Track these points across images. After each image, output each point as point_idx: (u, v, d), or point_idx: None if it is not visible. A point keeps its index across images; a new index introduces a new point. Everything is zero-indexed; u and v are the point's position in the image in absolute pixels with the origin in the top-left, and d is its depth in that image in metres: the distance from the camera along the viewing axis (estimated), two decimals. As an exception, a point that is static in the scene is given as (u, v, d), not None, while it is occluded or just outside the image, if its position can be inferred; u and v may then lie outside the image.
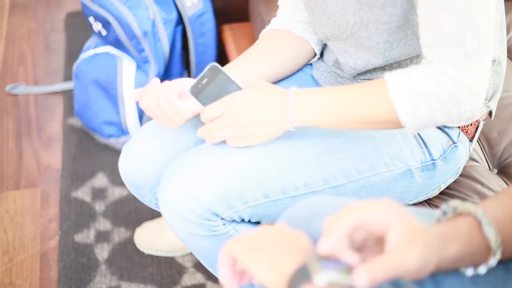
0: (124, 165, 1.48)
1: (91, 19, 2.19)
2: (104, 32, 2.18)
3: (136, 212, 2.07)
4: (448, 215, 0.96)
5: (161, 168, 1.44)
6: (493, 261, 0.93)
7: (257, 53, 1.46)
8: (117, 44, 2.18)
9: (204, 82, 1.32)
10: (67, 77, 2.62)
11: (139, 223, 2.03)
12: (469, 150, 1.43)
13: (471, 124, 1.41)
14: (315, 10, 1.38)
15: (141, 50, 2.13)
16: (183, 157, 1.35)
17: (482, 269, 0.94)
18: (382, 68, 1.35)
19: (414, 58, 1.32)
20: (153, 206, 1.53)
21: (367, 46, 1.32)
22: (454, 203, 0.96)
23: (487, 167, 1.51)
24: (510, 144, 1.52)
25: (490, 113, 1.43)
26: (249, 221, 1.36)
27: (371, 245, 0.89)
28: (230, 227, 1.34)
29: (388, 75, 1.18)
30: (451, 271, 0.96)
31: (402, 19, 1.25)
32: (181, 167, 1.34)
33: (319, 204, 1.10)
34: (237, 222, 1.35)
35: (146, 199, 1.51)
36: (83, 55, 2.26)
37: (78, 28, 2.87)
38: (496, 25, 1.34)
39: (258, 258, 0.89)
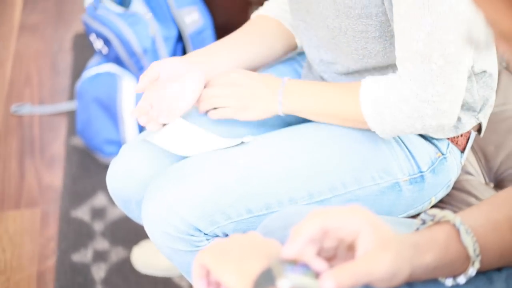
0: (111, 180, 1.46)
1: (92, 37, 2.18)
2: (105, 50, 2.17)
3: (135, 232, 2.04)
4: (427, 224, 0.93)
5: (147, 182, 1.41)
6: (472, 271, 0.90)
7: (242, 40, 1.48)
8: (118, 61, 2.17)
9: None
10: (72, 97, 2.61)
11: (137, 242, 2.00)
12: (461, 161, 1.39)
13: (461, 135, 1.37)
14: (299, 11, 1.37)
15: (141, 68, 2.12)
16: (167, 172, 1.34)
17: (461, 279, 0.91)
18: (367, 72, 1.33)
19: (394, 66, 1.29)
20: (141, 222, 1.50)
21: (346, 51, 1.32)
22: (432, 211, 0.93)
23: (483, 181, 1.47)
24: (507, 158, 1.47)
25: (480, 128, 1.40)
26: (233, 236, 1.32)
27: (342, 254, 0.86)
28: (213, 242, 1.30)
29: (364, 80, 1.25)
30: (429, 280, 0.93)
31: (378, 30, 1.26)
32: (164, 182, 1.31)
33: (296, 214, 1.08)
34: (221, 237, 1.31)
35: (134, 215, 1.48)
36: (86, 74, 2.26)
37: (85, 49, 2.86)
38: None
39: (226, 265, 0.86)
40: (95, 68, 2.25)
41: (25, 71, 2.79)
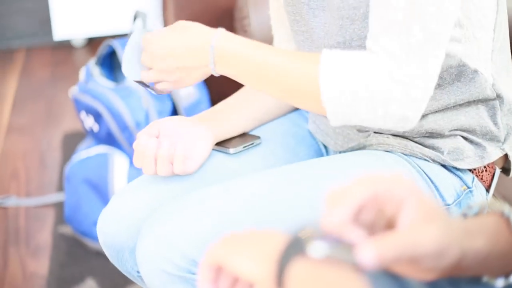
0: (103, 228, 1.33)
1: (82, 114, 2.10)
2: (96, 128, 2.08)
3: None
4: (473, 212, 0.82)
5: (141, 226, 1.29)
6: None
7: (253, 97, 1.40)
8: (109, 139, 2.08)
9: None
10: (61, 189, 2.50)
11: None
12: (487, 200, 1.27)
13: (486, 170, 1.27)
14: (303, 43, 1.30)
15: (133, 142, 2.02)
16: (165, 205, 1.22)
17: None
18: None
19: None
20: (134, 275, 1.35)
21: None
22: (475, 204, 0.83)
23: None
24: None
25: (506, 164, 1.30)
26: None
27: (380, 230, 0.74)
28: (218, 282, 1.16)
29: (328, 50, 1.12)
30: (477, 282, 0.79)
31: None
32: (162, 215, 1.20)
33: None
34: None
35: (127, 266, 1.34)
36: (75, 158, 2.16)
37: (75, 147, 2.78)
38: (500, 57, 1.23)
39: (243, 252, 0.73)
40: (85, 152, 2.16)
41: (11, 167, 2.70)
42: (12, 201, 2.45)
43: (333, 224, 0.69)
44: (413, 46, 1.05)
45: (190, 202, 1.19)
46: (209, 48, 1.18)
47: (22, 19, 3.71)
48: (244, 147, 1.33)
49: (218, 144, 1.34)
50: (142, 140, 1.28)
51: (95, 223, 2.07)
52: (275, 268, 0.68)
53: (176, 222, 1.17)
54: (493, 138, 1.25)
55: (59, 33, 3.52)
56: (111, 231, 1.32)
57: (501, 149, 1.27)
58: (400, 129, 1.11)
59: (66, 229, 2.27)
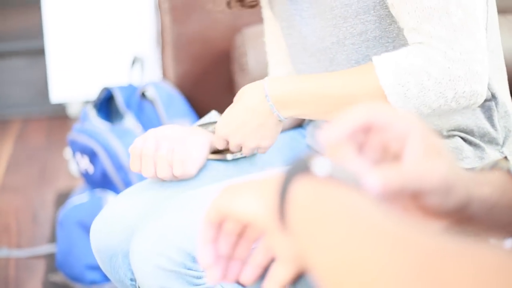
0: (96, 233, 1.30)
1: (77, 156, 2.08)
2: (91, 169, 2.06)
3: None
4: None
5: (135, 230, 1.25)
6: None
7: None
8: (104, 181, 2.05)
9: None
10: (53, 240, 2.45)
11: None
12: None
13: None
14: (299, 53, 1.32)
15: (129, 183, 2.00)
16: (161, 204, 1.20)
17: None
18: None
19: None
20: (127, 284, 1.31)
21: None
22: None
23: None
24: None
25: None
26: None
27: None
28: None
29: (376, 56, 1.12)
30: None
31: (378, 29, 1.19)
32: (158, 212, 1.18)
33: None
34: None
35: (120, 274, 1.30)
36: (69, 203, 2.14)
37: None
38: (494, 59, 1.25)
39: (241, 193, 0.71)
40: (79, 197, 2.13)
41: (3, 222, 2.66)
42: (2, 253, 2.40)
43: (331, 137, 0.67)
44: (457, 25, 1.07)
45: (186, 199, 1.17)
46: (265, 99, 1.19)
47: (19, 89, 3.74)
48: (242, 154, 1.31)
49: (215, 152, 1.32)
50: (139, 143, 1.27)
51: (87, 267, 2.04)
52: (277, 195, 0.65)
53: (171, 216, 1.15)
54: (491, 141, 1.24)
55: (56, 97, 3.53)
56: (105, 236, 1.29)
57: (500, 152, 1.26)
58: (474, 106, 1.13)
59: (57, 277, 2.21)
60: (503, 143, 1.26)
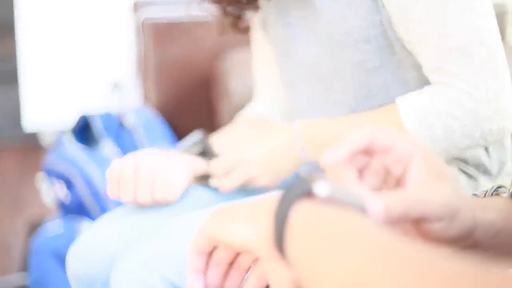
0: (73, 261, 1.23)
1: (53, 182, 2.03)
2: (67, 196, 2.01)
3: None
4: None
5: (115, 259, 1.19)
6: None
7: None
8: (80, 208, 2.00)
9: None
10: (24, 269, 2.39)
11: None
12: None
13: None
14: (293, 80, 1.29)
15: (106, 211, 1.94)
16: (143, 233, 1.15)
17: None
18: None
19: None
20: (108, 316, 1.25)
21: (340, 102, 1.21)
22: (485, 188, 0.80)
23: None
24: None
25: None
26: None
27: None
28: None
29: (399, 98, 1.10)
30: None
31: (378, 59, 1.16)
32: (140, 240, 1.13)
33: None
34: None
35: (100, 304, 1.24)
36: (43, 232, 2.08)
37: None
38: None
39: (232, 218, 0.66)
40: (52, 225, 2.07)
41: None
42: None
43: (331, 160, 0.65)
44: (479, 64, 1.05)
45: (172, 226, 1.12)
46: (294, 141, 1.16)
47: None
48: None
49: (199, 176, 1.26)
50: (117, 166, 1.20)
51: (61, 297, 1.97)
52: (273, 218, 0.61)
53: (156, 244, 1.09)
54: (486, 171, 1.23)
55: (29, 126, 3.48)
56: (82, 264, 1.22)
57: (493, 182, 1.23)
58: (502, 141, 1.13)
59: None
60: (498, 174, 1.25)
